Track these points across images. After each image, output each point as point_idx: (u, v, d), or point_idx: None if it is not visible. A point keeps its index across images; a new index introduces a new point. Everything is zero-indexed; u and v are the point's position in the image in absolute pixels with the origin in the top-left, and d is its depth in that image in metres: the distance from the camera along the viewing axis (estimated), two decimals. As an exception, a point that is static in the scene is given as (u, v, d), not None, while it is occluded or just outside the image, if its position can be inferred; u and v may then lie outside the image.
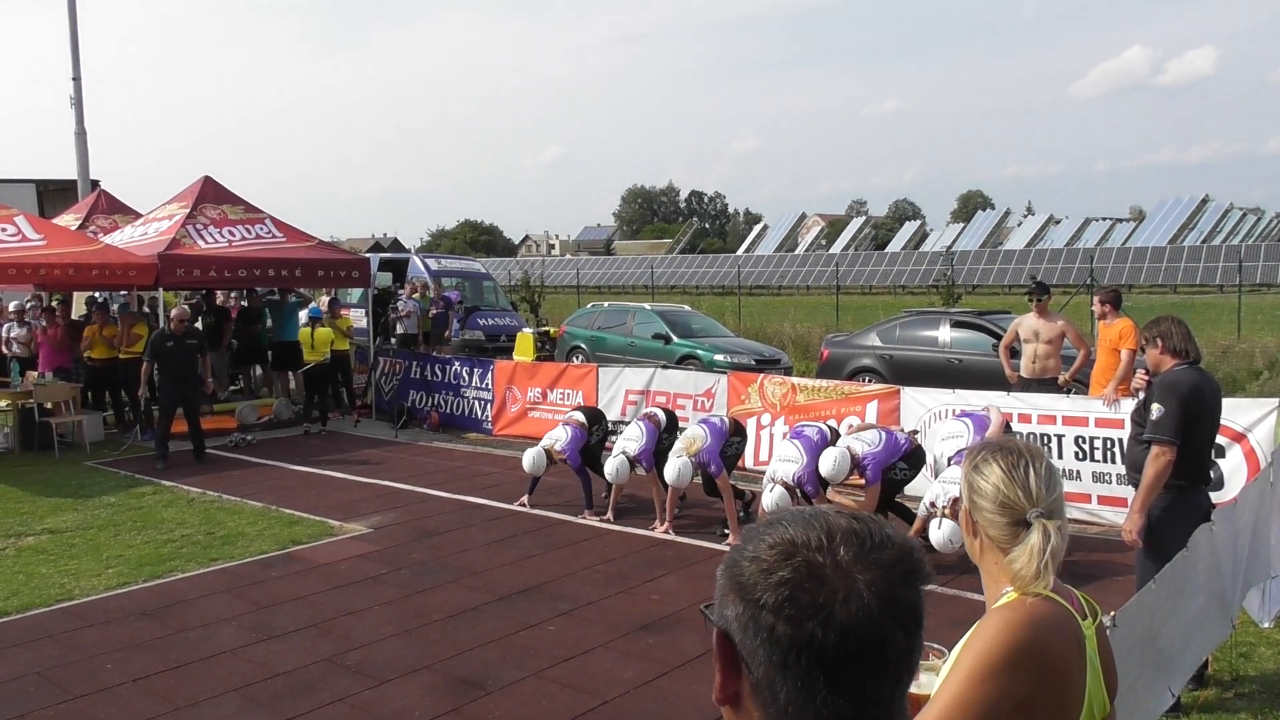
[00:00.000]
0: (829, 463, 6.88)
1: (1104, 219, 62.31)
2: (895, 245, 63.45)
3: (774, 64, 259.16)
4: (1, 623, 5.89)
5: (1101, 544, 7.10)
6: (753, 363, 14.13)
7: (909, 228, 70.16)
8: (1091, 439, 7.83)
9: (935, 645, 2.78)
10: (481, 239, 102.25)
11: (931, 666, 2.61)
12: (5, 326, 14.74)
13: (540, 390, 12.00)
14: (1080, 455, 7.86)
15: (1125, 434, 7.31)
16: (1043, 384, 8.76)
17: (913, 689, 2.17)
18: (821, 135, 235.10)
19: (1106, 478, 7.72)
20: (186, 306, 12.94)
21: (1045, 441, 7.96)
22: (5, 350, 14.42)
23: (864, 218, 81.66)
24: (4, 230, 11.79)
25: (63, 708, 4.69)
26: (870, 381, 11.45)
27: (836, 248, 64.38)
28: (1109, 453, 7.69)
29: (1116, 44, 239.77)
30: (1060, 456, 7.88)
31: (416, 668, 5.10)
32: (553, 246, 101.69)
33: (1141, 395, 4.85)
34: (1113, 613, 2.70)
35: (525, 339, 17.02)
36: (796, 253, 60.99)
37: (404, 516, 8.35)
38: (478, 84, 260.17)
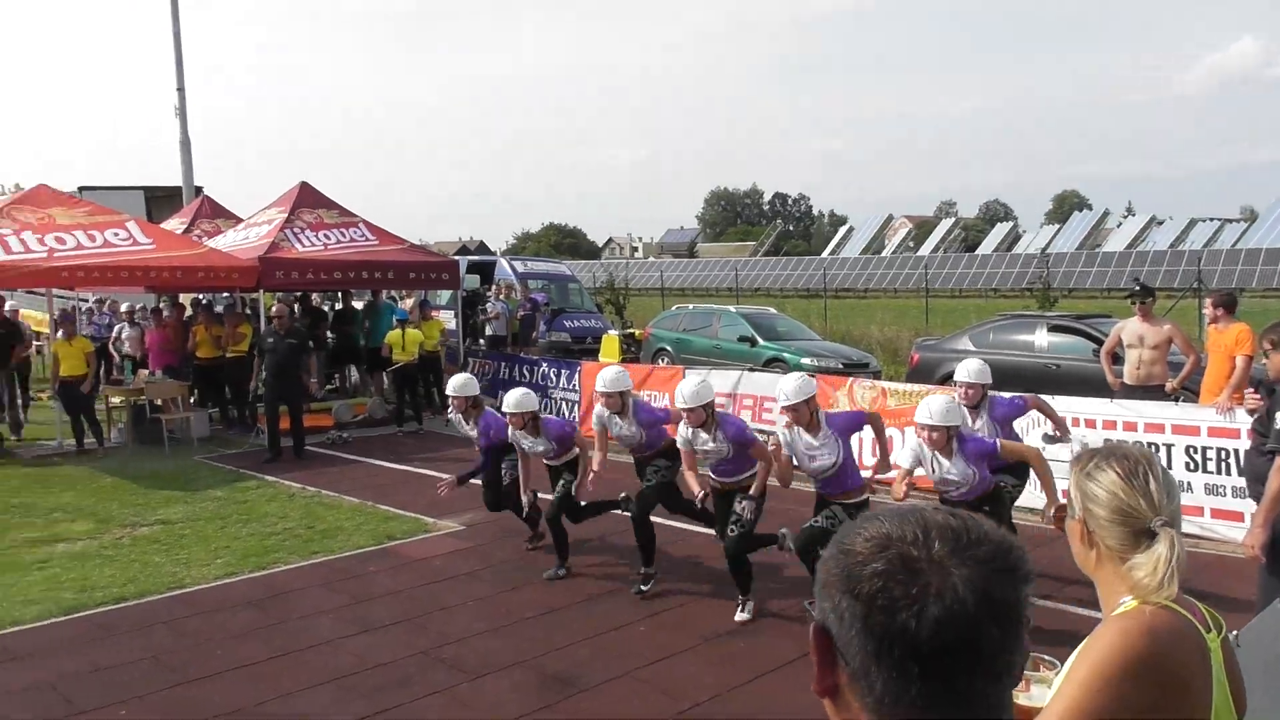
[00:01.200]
0: (790, 381, 5.82)
1: (1211, 219, 59.42)
2: (986, 247, 61.76)
3: (855, 64, 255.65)
4: (121, 608, 6.20)
5: (1216, 560, 6.77)
6: (840, 366, 13.95)
7: (1001, 229, 68.25)
8: (1204, 449, 7.48)
9: (1046, 658, 2.70)
10: (565, 242, 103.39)
11: (1043, 679, 2.54)
12: (118, 327, 15.56)
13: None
14: (1191, 466, 7.52)
15: (1240, 444, 7.00)
16: (1148, 391, 8.38)
17: (1023, 700, 2.11)
18: (908, 135, 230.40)
19: (1221, 490, 7.37)
20: (285, 306, 13.40)
21: (1154, 451, 7.65)
22: (116, 349, 15.21)
23: (953, 219, 79.75)
24: (116, 235, 12.41)
25: (175, 691, 4.90)
26: (963, 386, 11.15)
27: (925, 250, 62.97)
28: (1223, 464, 7.34)
29: (1224, 35, 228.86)
30: (1169, 467, 7.56)
31: (509, 664, 5.18)
32: (636, 249, 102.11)
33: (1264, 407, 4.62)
34: (1235, 631, 2.58)
35: (611, 341, 17.17)
36: (883, 255, 59.94)
37: (494, 515, 8.46)
38: (560, 86, 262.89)
